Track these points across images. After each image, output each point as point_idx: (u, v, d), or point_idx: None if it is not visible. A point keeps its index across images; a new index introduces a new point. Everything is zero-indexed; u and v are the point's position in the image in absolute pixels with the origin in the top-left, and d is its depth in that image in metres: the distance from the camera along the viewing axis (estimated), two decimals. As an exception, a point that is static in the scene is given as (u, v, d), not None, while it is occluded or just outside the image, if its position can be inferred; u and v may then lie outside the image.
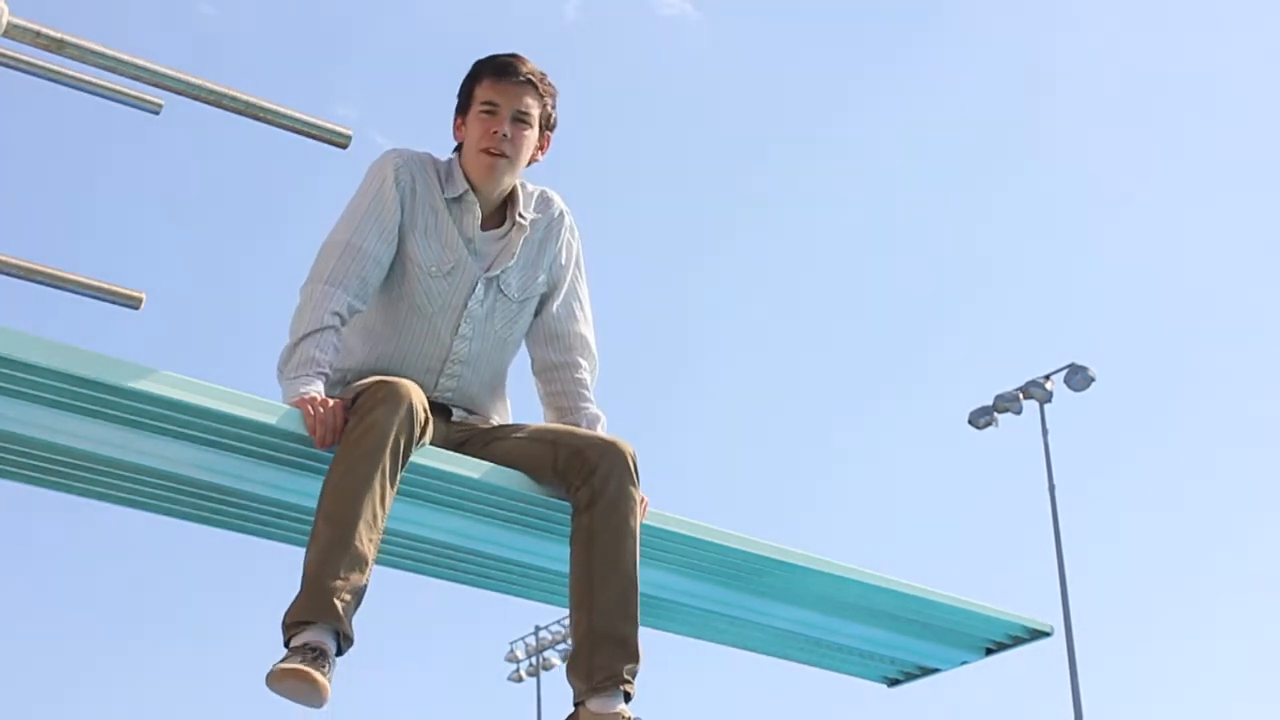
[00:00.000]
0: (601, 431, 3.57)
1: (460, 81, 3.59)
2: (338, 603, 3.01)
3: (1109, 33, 39.41)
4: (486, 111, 3.50)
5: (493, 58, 3.54)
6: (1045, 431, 21.78)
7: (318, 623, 3.00)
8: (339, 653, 3.01)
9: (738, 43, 39.80)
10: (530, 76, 3.52)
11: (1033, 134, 39.48)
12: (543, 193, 3.65)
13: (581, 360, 3.67)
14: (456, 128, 3.57)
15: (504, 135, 3.48)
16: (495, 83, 3.51)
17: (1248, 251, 37.92)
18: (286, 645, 3.01)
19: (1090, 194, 38.32)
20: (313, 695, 2.94)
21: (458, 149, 3.57)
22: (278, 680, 2.93)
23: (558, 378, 3.66)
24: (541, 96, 3.54)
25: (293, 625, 3.01)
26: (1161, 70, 39.20)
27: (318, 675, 2.92)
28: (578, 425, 3.57)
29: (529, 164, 3.58)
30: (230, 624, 40.88)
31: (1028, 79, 40.07)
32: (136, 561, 40.08)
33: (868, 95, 41.76)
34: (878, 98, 41.16)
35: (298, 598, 3.03)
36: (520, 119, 3.51)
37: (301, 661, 2.93)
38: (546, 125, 3.58)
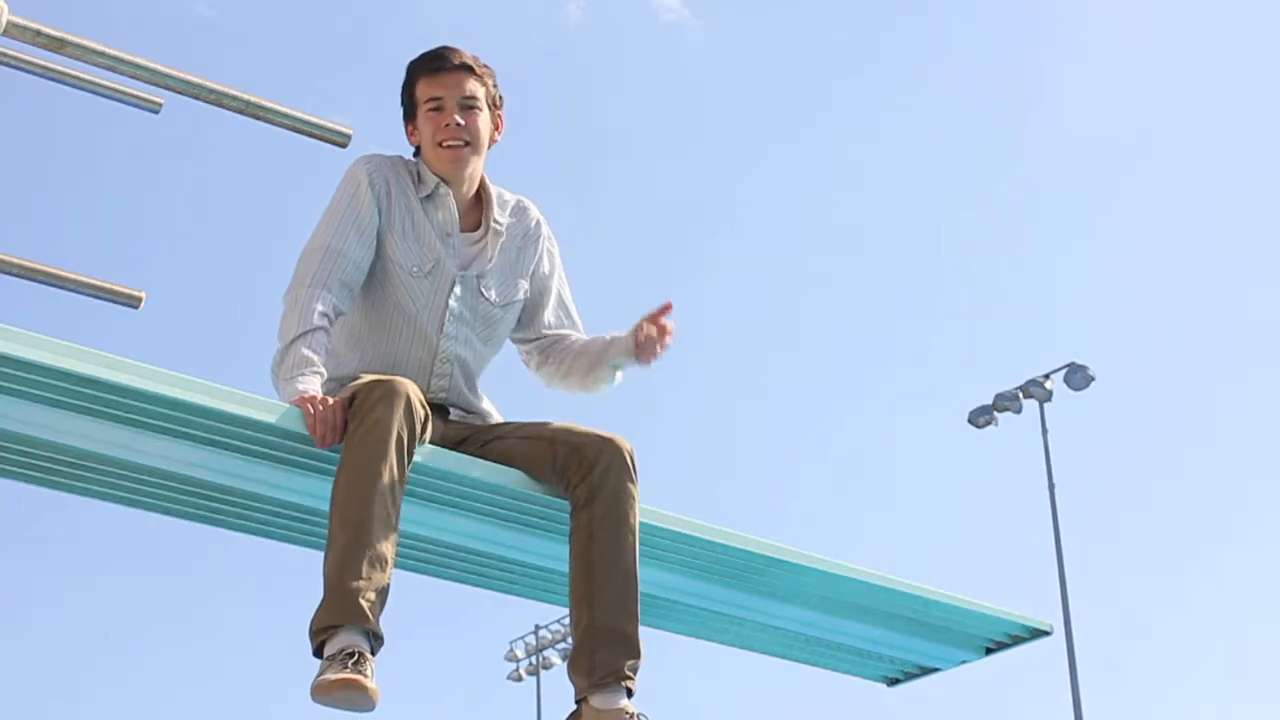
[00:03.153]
0: (600, 428, 3.58)
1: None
2: (363, 603, 3.00)
3: (1107, 30, 39.42)
4: (433, 108, 3.52)
5: (422, 56, 3.56)
6: (1045, 431, 21.77)
7: (346, 626, 2.98)
8: (372, 652, 2.99)
9: (733, 48, 39.83)
10: (465, 62, 3.54)
11: (1031, 133, 39.52)
12: (519, 201, 3.68)
13: (575, 335, 3.72)
14: (409, 135, 3.59)
15: (457, 124, 3.50)
16: (432, 77, 3.52)
17: (1247, 251, 37.96)
18: (317, 654, 3.00)
19: (1090, 192, 38.35)
20: (363, 701, 2.92)
21: (417, 153, 3.59)
22: (325, 692, 2.90)
23: (563, 346, 3.68)
24: (481, 78, 3.56)
25: (321, 631, 3.00)
26: (1161, 69, 39.23)
27: (366, 681, 2.90)
28: (606, 343, 3.61)
29: (490, 145, 3.59)
30: (229, 624, 40.89)
31: (1026, 77, 40.10)
32: (136, 561, 40.09)
33: (865, 96, 41.78)
34: (876, 97, 41.19)
35: (322, 603, 3.02)
36: (468, 105, 3.52)
37: (344, 669, 2.91)
38: (494, 104, 3.59)
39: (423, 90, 3.53)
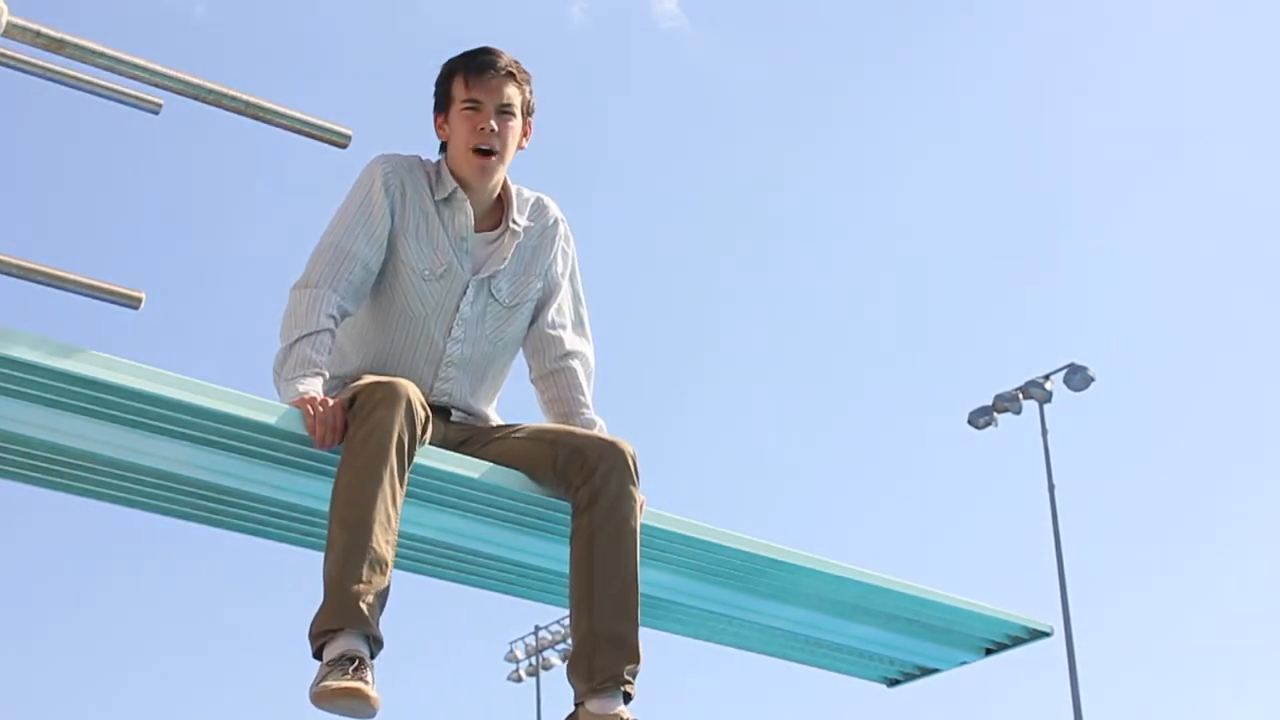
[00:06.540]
0: (601, 433, 3.57)
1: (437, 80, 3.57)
2: (363, 606, 3.00)
3: (1105, 34, 39.42)
4: (470, 108, 3.49)
5: (467, 54, 3.53)
6: (1045, 431, 21.77)
7: (346, 629, 2.99)
8: (371, 656, 3.00)
9: (731, 57, 39.85)
10: (508, 68, 3.52)
11: (1031, 135, 39.50)
12: (539, 199, 3.65)
13: (576, 366, 3.66)
14: (438, 126, 3.56)
15: (492, 130, 3.48)
16: (475, 79, 3.50)
17: (1248, 251, 37.95)
18: (317, 656, 3.00)
19: (1090, 194, 38.35)
20: (364, 709, 2.92)
21: (443, 148, 3.57)
22: (327, 699, 2.91)
23: (554, 384, 3.65)
24: (520, 85, 3.54)
25: (321, 634, 3.01)
26: (1160, 71, 39.23)
27: (368, 689, 2.91)
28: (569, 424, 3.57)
29: (516, 151, 3.57)
30: (228, 624, 40.88)
31: (1026, 83, 40.10)
32: (135, 561, 40.07)
33: (862, 99, 41.77)
34: (872, 99, 41.17)
35: (323, 606, 3.02)
36: (504, 111, 3.50)
37: (345, 677, 2.91)
38: (527, 112, 3.58)
39: (461, 89, 3.50)
